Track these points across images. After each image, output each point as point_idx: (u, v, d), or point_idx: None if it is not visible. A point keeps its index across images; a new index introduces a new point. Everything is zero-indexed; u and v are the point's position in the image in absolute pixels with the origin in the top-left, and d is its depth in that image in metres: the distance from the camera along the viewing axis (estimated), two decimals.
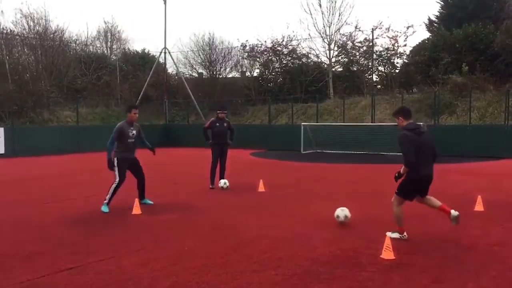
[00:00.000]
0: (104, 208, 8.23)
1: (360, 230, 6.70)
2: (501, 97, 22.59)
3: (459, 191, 10.39)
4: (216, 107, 12.63)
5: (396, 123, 6.40)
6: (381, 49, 32.11)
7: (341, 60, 34.36)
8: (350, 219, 7.04)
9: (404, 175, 5.99)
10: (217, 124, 11.15)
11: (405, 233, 6.12)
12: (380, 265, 5.11)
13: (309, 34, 42.91)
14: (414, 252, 5.60)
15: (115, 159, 8.33)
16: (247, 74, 38.75)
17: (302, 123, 24.37)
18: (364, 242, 6.05)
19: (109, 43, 38.35)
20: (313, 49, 35.13)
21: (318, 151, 23.17)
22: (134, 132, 8.53)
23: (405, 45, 31.71)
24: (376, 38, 31.48)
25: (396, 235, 6.08)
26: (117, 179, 8.34)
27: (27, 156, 20.82)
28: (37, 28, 32.26)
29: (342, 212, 7.08)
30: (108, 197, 8.27)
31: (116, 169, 8.33)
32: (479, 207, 8.15)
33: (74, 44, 36.62)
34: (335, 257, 5.43)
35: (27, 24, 32.17)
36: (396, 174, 6.10)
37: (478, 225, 6.98)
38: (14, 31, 31.88)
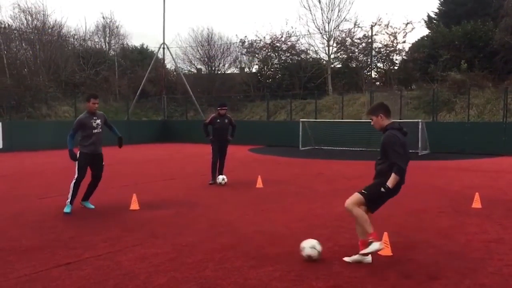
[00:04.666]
0: (67, 209, 7.69)
1: None
2: (499, 94, 22.63)
3: (457, 188, 10.41)
4: (215, 103, 12.63)
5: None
6: (380, 45, 32.19)
7: (340, 56, 34.41)
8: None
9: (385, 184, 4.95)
10: (218, 120, 11.16)
11: (382, 241, 5.00)
12: (378, 262, 5.12)
13: (308, 30, 43.17)
14: (411, 249, 5.61)
15: (78, 153, 7.80)
16: (245, 70, 38.75)
17: (301, 120, 24.39)
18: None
19: (107, 38, 38.28)
20: (312, 46, 35.36)
21: (316, 147, 23.18)
22: (99, 121, 7.95)
23: (404, 42, 31.72)
24: (375, 34, 31.58)
25: (373, 246, 4.86)
26: (76, 175, 7.79)
27: (25, 150, 20.80)
28: (35, 22, 32.22)
29: (310, 249, 5.17)
30: (69, 195, 7.74)
31: (76, 164, 7.79)
32: (476, 204, 8.16)
33: (72, 39, 36.61)
34: (333, 253, 5.43)
35: (25, 18, 32.15)
36: (382, 190, 4.98)
37: (475, 222, 7.00)
38: (12, 25, 31.82)
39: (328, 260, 5.18)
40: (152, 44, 54.77)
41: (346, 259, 5.08)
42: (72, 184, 7.80)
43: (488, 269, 4.88)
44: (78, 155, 7.80)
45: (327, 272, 4.81)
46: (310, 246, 5.14)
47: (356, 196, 5.11)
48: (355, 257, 5.05)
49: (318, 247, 5.14)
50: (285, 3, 62.17)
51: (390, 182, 4.91)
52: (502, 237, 6.19)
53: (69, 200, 7.77)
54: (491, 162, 16.64)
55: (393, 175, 4.89)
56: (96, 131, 7.90)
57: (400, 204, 8.43)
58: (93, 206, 8.16)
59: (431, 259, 5.22)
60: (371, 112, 5.26)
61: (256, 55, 36.65)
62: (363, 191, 5.12)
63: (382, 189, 4.97)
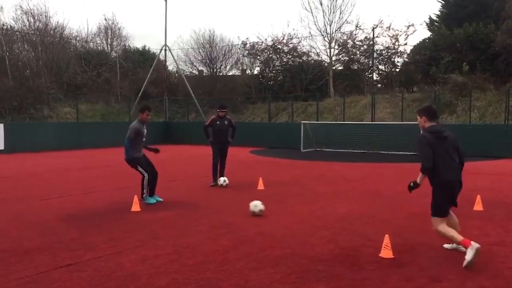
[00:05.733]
0: (150, 200, 8.67)
1: (359, 229, 6.70)
2: (501, 96, 22.59)
3: None
4: (216, 105, 12.65)
5: (416, 122, 5.72)
6: (381, 48, 32.16)
7: (342, 58, 34.40)
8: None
9: (426, 188, 5.34)
10: (218, 122, 11.17)
11: (472, 242, 4.98)
12: (379, 264, 5.11)
13: (310, 32, 42.87)
14: (413, 251, 5.59)
15: (133, 158, 8.68)
16: (247, 72, 38.75)
17: (302, 122, 24.38)
18: (363, 240, 6.05)
19: (109, 40, 38.31)
20: (314, 48, 35.34)
21: (317, 149, 23.17)
22: (145, 130, 8.90)
23: (405, 44, 31.70)
24: (377, 36, 31.55)
25: (469, 253, 4.92)
26: (146, 175, 8.71)
27: (27, 152, 20.84)
28: (38, 24, 32.28)
29: (256, 207, 7.54)
30: (145, 191, 8.68)
31: (139, 166, 8.70)
32: (478, 206, 8.15)
33: (74, 41, 36.65)
34: (334, 256, 5.43)
35: (27, 20, 32.22)
36: (411, 184, 5.42)
37: (477, 225, 6.98)
38: (14, 27, 31.89)
39: (329, 262, 5.17)
40: (154, 46, 54.73)
41: (446, 246, 5.61)
42: (145, 183, 8.71)
43: (490, 272, 4.87)
44: (135, 160, 8.70)
45: (328, 274, 4.80)
46: (253, 204, 7.18)
47: (433, 221, 5.40)
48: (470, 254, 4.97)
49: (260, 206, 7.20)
50: (287, 5, 62.30)
51: (418, 179, 5.36)
52: (504, 239, 6.17)
53: (146, 194, 8.68)
54: (493, 164, 16.61)
55: (420, 173, 5.32)
56: (144, 139, 8.86)
57: (401, 206, 8.43)
58: (161, 199, 8.96)
59: (432, 261, 5.21)
60: (418, 113, 5.65)
61: (258, 57, 36.67)
62: (432, 213, 5.42)
63: (412, 184, 5.41)
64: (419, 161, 5.32)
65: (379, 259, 5.25)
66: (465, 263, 4.93)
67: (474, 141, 19.90)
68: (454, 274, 4.79)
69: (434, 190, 5.35)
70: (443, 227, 5.29)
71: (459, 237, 5.13)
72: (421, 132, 5.47)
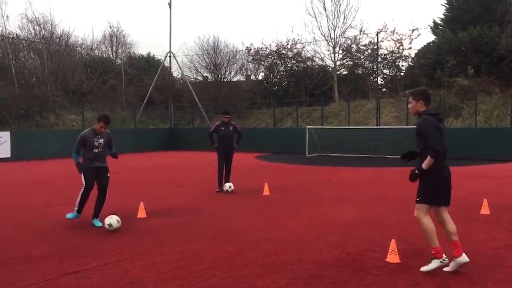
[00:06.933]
0: (70, 215, 7.69)
1: (365, 234, 6.68)
2: (507, 100, 22.52)
3: (465, 194, 10.34)
4: (221, 111, 12.70)
5: (411, 109, 5.11)
6: (386, 52, 32.15)
7: (346, 63, 34.40)
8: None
9: (422, 175, 4.85)
10: (222, 128, 11.20)
11: (444, 256, 4.80)
12: (386, 269, 5.09)
13: (314, 38, 42.89)
14: (419, 256, 5.56)
15: (78, 164, 7.82)
16: (252, 78, 38.84)
17: (307, 126, 24.38)
18: (369, 245, 6.03)
19: (114, 47, 38.55)
20: (318, 52, 35.23)
21: (323, 154, 23.14)
22: (101, 141, 7.90)
23: (410, 48, 31.68)
24: (381, 41, 31.53)
25: (434, 264, 4.79)
26: (83, 186, 7.70)
27: (33, 159, 20.93)
28: (43, 32, 32.52)
29: (110, 219, 7.01)
30: (76, 203, 7.69)
31: (82, 175, 7.74)
32: (485, 210, 8.10)
33: (79, 48, 36.91)
34: (340, 261, 5.41)
35: (33, 28, 32.46)
36: (415, 171, 4.87)
37: (484, 229, 6.95)
38: (20, 35, 32.13)
39: (336, 268, 5.16)
40: (159, 53, 55.01)
41: (423, 268, 4.90)
42: (80, 193, 7.69)
43: (497, 276, 4.84)
44: (82, 168, 7.73)
45: (335, 279, 4.79)
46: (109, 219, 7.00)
47: (416, 208, 4.96)
48: (431, 265, 4.85)
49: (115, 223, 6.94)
50: (291, 10, 62.43)
51: (425, 164, 4.78)
52: (511, 243, 6.13)
53: (76, 208, 7.71)
54: (499, 168, 16.53)
55: (428, 157, 4.74)
56: (96, 150, 7.79)
57: (408, 210, 8.39)
58: (100, 224, 7.57)
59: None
60: (412, 94, 5.09)
61: (262, 63, 36.74)
62: (417, 199, 4.96)
63: (416, 171, 4.85)
64: (428, 145, 4.75)
65: (386, 264, 5.24)
66: (423, 268, 4.85)
67: (480, 144, 19.84)
68: (461, 279, 4.77)
69: (428, 174, 4.82)
70: (428, 220, 4.84)
71: (436, 242, 4.81)
72: (422, 116, 4.93)
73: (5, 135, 21.57)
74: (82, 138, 7.85)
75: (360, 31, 32.38)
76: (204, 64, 38.76)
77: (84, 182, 7.73)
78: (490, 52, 26.29)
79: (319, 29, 37.36)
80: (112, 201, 9.27)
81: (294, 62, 35.42)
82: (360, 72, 33.84)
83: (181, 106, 34.78)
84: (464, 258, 4.87)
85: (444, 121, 5.07)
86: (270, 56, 35.64)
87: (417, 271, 4.99)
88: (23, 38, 32.24)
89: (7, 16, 40.48)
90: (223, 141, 11.24)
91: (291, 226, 7.27)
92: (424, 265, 4.97)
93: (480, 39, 26.65)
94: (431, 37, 35.08)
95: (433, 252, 4.83)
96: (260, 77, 37.90)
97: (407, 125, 22.17)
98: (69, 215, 7.71)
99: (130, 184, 12.56)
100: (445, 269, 4.90)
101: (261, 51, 35.61)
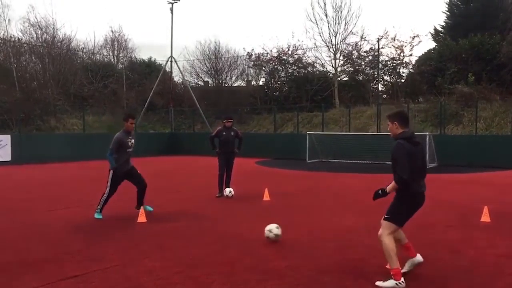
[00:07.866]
0: (97, 215, 8.31)
1: (365, 240, 6.66)
2: (507, 107, 22.54)
3: (465, 201, 10.34)
4: (222, 116, 12.69)
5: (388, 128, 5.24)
6: (386, 58, 32.20)
7: (347, 69, 34.45)
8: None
9: (392, 194, 4.98)
10: (224, 132, 11.20)
11: (402, 279, 4.74)
12: (387, 275, 5.07)
13: (315, 44, 42.92)
14: (421, 263, 5.55)
15: (110, 171, 8.24)
16: (252, 83, 38.88)
17: (308, 132, 24.36)
18: (370, 251, 6.02)
19: (115, 52, 38.66)
20: (319, 59, 35.22)
21: (323, 160, 23.12)
22: (133, 141, 8.42)
23: (411, 55, 31.69)
24: (382, 47, 31.56)
25: (390, 283, 4.74)
26: (107, 192, 8.31)
27: (34, 163, 20.92)
28: (45, 36, 32.59)
29: (270, 232, 6.54)
30: (99, 206, 8.35)
31: (109, 182, 8.26)
32: (485, 218, 8.09)
33: (81, 53, 36.99)
34: (341, 267, 5.41)
35: (35, 32, 32.53)
36: (380, 191, 5.03)
37: (485, 236, 6.93)
38: (22, 39, 32.21)
39: (336, 274, 5.15)
40: (160, 57, 55.25)
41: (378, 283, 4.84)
42: (103, 198, 8.32)
43: (498, 284, 4.83)
44: (110, 174, 8.25)
45: (335, 285, 4.78)
46: (268, 229, 6.49)
47: (383, 226, 5.00)
48: (387, 283, 4.79)
49: (276, 231, 6.46)
50: (292, 16, 62.60)
51: (389, 188, 4.91)
52: None
53: (99, 208, 8.31)
54: (500, 175, 16.51)
55: (392, 182, 4.86)
56: (129, 150, 8.35)
57: None
58: (151, 209, 8.75)
59: (439, 274, 5.18)
60: (388, 118, 5.17)
61: (263, 68, 36.79)
62: (386, 216, 5.01)
63: (380, 192, 4.99)
64: (396, 171, 4.83)
65: (387, 271, 5.22)
66: (379, 282, 4.78)
67: (480, 152, 19.82)
68: (463, 285, 4.76)
69: (400, 197, 4.93)
70: (391, 240, 4.91)
71: (396, 263, 4.80)
72: (397, 141, 4.95)
73: (6, 139, 21.59)
74: (119, 141, 8.22)
75: (361, 37, 32.46)
76: (205, 69, 38.86)
77: (108, 190, 8.25)
78: (491, 59, 26.35)
79: (320, 35, 37.41)
80: (112, 205, 9.26)
81: (295, 67, 35.45)
82: (361, 79, 33.88)
83: (181, 111, 34.80)
84: (418, 258, 5.15)
85: (420, 144, 5.09)
86: (271, 62, 35.67)
87: (417, 278, 4.99)
88: (25, 41, 32.33)
89: (9, 20, 40.77)
90: (225, 146, 11.23)
91: (291, 232, 7.26)
92: (426, 272, 4.94)
93: (481, 47, 26.71)
94: (432, 44, 35.17)
95: (392, 273, 4.78)
96: (261, 83, 37.98)
97: None
98: (97, 216, 8.27)
99: (130, 189, 12.52)
100: (402, 270, 4.93)
101: (262, 57, 35.65)
